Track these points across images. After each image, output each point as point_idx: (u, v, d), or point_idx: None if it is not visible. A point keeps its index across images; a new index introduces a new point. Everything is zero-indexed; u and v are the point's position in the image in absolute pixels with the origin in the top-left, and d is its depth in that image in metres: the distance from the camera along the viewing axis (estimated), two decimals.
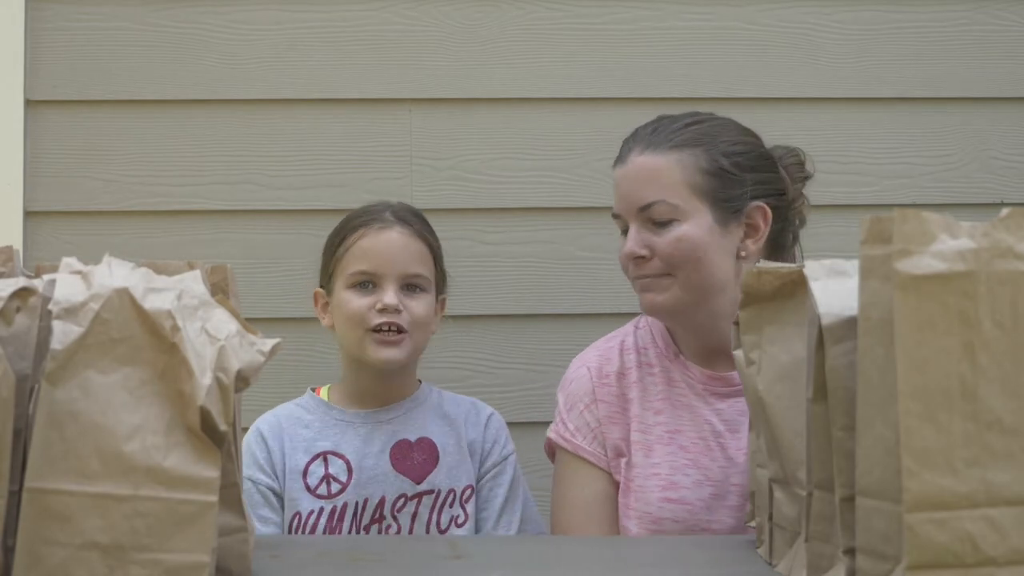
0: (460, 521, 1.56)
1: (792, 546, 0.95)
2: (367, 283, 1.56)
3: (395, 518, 1.53)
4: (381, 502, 1.53)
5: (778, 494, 0.98)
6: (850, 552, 0.82)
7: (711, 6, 1.96)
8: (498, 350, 1.85)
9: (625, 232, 1.49)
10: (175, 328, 0.80)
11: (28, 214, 1.86)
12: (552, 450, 1.57)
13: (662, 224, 1.44)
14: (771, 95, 1.95)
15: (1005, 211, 0.77)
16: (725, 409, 1.48)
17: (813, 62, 1.96)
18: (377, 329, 1.54)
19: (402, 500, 1.54)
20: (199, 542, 0.78)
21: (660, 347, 1.54)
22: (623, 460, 1.50)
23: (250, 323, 0.88)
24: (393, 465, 1.56)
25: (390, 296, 1.54)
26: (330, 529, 1.53)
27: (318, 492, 1.54)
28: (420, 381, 1.66)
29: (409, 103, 1.93)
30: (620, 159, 1.50)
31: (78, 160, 1.88)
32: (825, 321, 0.83)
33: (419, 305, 1.57)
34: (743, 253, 1.46)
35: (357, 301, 1.55)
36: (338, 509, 1.52)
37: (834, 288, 0.85)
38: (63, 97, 1.88)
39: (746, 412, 1.46)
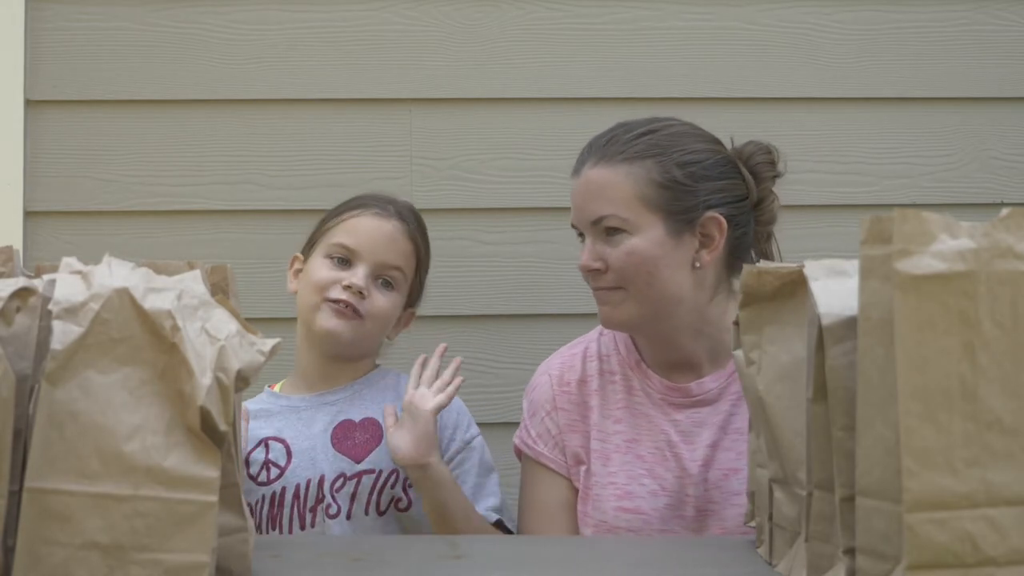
0: (402, 506, 1.54)
1: (792, 546, 0.95)
2: (344, 259, 1.56)
3: (334, 498, 1.52)
4: (321, 481, 1.52)
5: (778, 494, 0.98)
6: (850, 552, 0.82)
7: (711, 6, 1.96)
8: (498, 350, 1.85)
9: (583, 240, 1.49)
10: (175, 328, 0.80)
11: (28, 214, 1.86)
12: (519, 454, 1.58)
13: (614, 237, 1.44)
14: (771, 95, 1.95)
15: (1005, 211, 0.77)
16: (682, 420, 1.48)
17: (813, 62, 1.96)
18: (335, 300, 1.54)
19: (341, 480, 1.52)
20: (199, 542, 0.78)
21: (622, 354, 1.53)
22: (582, 468, 1.51)
23: (250, 323, 0.88)
24: (333, 445, 1.55)
25: (359, 277, 1.54)
26: (272, 516, 1.51)
27: (259, 480, 1.53)
28: (378, 365, 1.65)
29: (409, 103, 1.93)
30: (575, 170, 1.50)
31: (78, 160, 1.88)
32: (825, 321, 0.83)
33: (384, 300, 1.57)
34: (698, 264, 1.45)
35: (326, 271, 1.56)
36: (277, 494, 1.52)
37: (834, 288, 0.85)
38: (63, 97, 1.88)
39: (702, 423, 1.47)
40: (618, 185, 1.44)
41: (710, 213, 1.45)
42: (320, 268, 1.56)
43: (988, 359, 0.74)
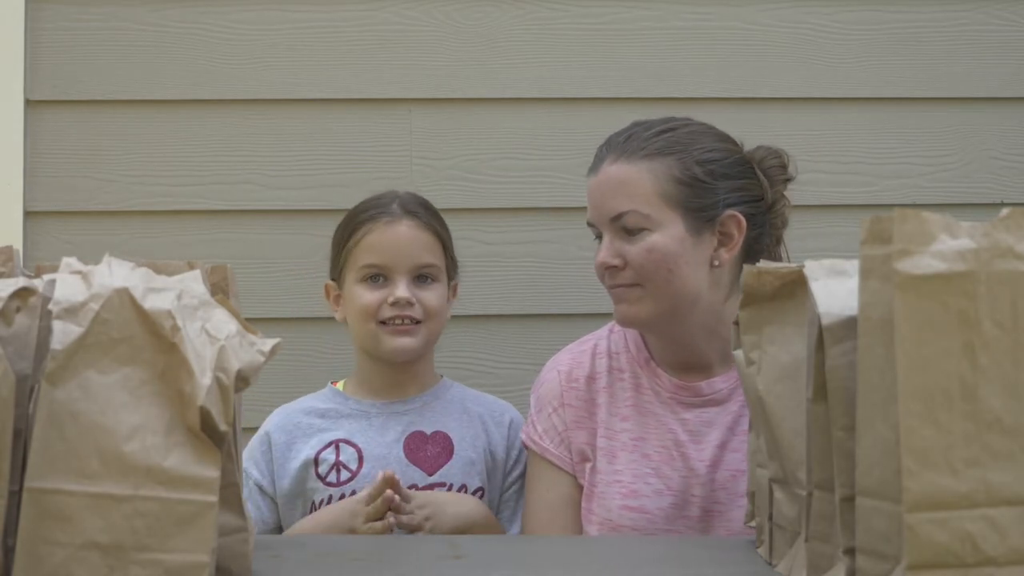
0: None
1: (792, 546, 0.95)
2: (377, 276, 1.57)
3: None
4: None
5: (778, 494, 0.98)
6: (850, 552, 0.82)
7: (711, 6, 1.96)
8: (498, 350, 1.85)
9: (599, 239, 1.49)
10: (175, 328, 0.80)
11: (28, 214, 1.86)
12: (525, 449, 1.58)
13: (634, 234, 1.43)
14: (771, 95, 1.95)
15: (1005, 211, 0.77)
16: (690, 419, 1.48)
17: (813, 62, 1.96)
18: (389, 321, 1.55)
19: (412, 491, 1.51)
20: (199, 542, 0.78)
21: (632, 352, 1.53)
22: (588, 465, 1.50)
23: (250, 323, 0.88)
24: (406, 455, 1.55)
25: (402, 289, 1.54)
26: None
27: (328, 480, 1.53)
28: (442, 376, 1.66)
29: (409, 103, 1.93)
30: (593, 168, 1.49)
31: (78, 160, 1.88)
32: (825, 321, 0.83)
33: (431, 295, 1.57)
34: (716, 262, 1.45)
35: (368, 295, 1.56)
36: (346, 496, 1.51)
37: (834, 288, 0.85)
38: (63, 97, 1.88)
39: (711, 423, 1.47)
40: (639, 181, 1.44)
41: (729, 211, 1.45)
42: (360, 294, 1.56)
43: (988, 359, 0.74)
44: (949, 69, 1.97)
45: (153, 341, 0.80)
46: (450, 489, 1.54)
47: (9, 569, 0.77)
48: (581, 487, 1.51)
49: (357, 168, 1.91)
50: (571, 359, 1.56)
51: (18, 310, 0.81)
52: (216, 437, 0.80)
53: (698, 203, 1.44)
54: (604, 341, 1.56)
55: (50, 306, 0.80)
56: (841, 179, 1.95)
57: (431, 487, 1.53)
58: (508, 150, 1.93)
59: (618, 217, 1.44)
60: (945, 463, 0.73)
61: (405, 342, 1.55)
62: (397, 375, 1.60)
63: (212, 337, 0.82)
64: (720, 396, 1.47)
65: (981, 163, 1.97)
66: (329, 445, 1.55)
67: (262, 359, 0.84)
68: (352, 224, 1.60)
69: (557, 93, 1.94)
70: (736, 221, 1.45)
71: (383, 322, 1.55)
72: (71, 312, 0.80)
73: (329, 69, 1.92)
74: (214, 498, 0.79)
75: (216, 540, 0.80)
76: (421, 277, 1.57)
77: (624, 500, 1.46)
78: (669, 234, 1.43)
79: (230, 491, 0.87)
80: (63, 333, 0.79)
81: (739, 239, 1.45)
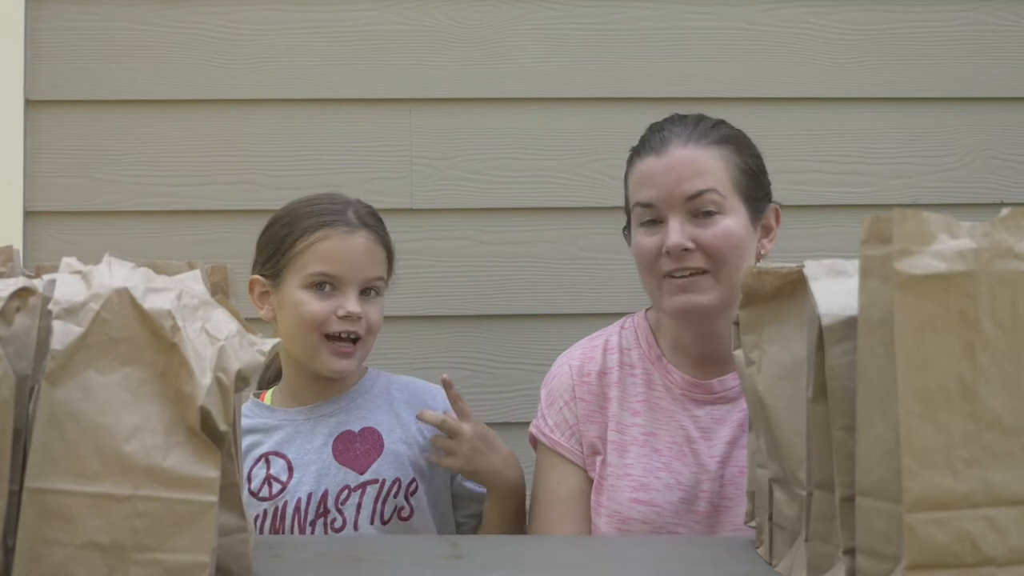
0: (405, 514, 1.52)
1: (792, 546, 0.95)
2: (325, 284, 1.52)
3: (339, 511, 1.50)
4: (324, 496, 1.50)
5: (778, 494, 0.98)
6: (850, 552, 0.82)
7: (711, 6, 1.96)
8: (498, 350, 1.85)
9: (647, 223, 1.46)
10: (175, 328, 0.80)
11: (28, 214, 1.86)
12: (534, 442, 1.58)
13: (706, 216, 1.42)
14: (771, 95, 1.95)
15: (1005, 211, 0.77)
16: (702, 416, 1.48)
17: (813, 62, 1.96)
18: (333, 337, 1.52)
19: (345, 492, 1.51)
20: (199, 542, 0.78)
21: (643, 348, 1.53)
22: (598, 458, 1.51)
23: (250, 323, 0.88)
24: (335, 457, 1.53)
25: (352, 304, 1.51)
26: (274, 530, 1.50)
27: (260, 495, 1.51)
28: (367, 368, 1.63)
29: (409, 103, 1.93)
30: (655, 149, 1.46)
31: (78, 160, 1.88)
32: (825, 321, 0.83)
33: (375, 311, 1.54)
34: (763, 252, 1.48)
35: (316, 304, 1.51)
36: (279, 509, 1.50)
37: (834, 288, 0.85)
38: (63, 97, 1.89)
39: (722, 420, 1.47)
40: (715, 165, 1.45)
41: (772, 204, 1.49)
42: (307, 302, 1.51)
43: (988, 359, 0.74)
44: (949, 69, 1.97)
45: (153, 341, 0.80)
46: (383, 484, 1.51)
47: (9, 569, 0.77)
48: (591, 481, 1.51)
49: (357, 168, 1.91)
50: (583, 354, 1.56)
51: (18, 310, 0.81)
52: (216, 437, 0.80)
53: (756, 194, 1.47)
54: (615, 337, 1.56)
55: (50, 306, 0.80)
56: (841, 179, 1.95)
57: (363, 486, 1.51)
58: (508, 150, 1.93)
59: (697, 195, 1.42)
60: (945, 463, 0.73)
61: (345, 364, 1.52)
62: (325, 384, 1.57)
63: (212, 337, 0.82)
64: (732, 394, 1.48)
65: (981, 163, 1.97)
66: (259, 460, 1.53)
67: (262, 359, 0.84)
68: (302, 225, 1.54)
69: (557, 93, 1.94)
70: (776, 213, 1.50)
71: (327, 335, 1.52)
72: (71, 312, 0.80)
73: (329, 69, 1.92)
74: (214, 498, 0.79)
75: (216, 540, 0.80)
76: (367, 290, 1.54)
77: (634, 493, 1.46)
78: (738, 221, 1.44)
79: (230, 491, 0.87)
80: (63, 333, 0.79)
81: (777, 231, 1.50)
